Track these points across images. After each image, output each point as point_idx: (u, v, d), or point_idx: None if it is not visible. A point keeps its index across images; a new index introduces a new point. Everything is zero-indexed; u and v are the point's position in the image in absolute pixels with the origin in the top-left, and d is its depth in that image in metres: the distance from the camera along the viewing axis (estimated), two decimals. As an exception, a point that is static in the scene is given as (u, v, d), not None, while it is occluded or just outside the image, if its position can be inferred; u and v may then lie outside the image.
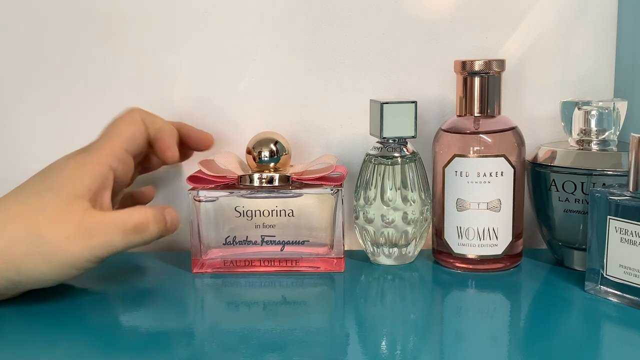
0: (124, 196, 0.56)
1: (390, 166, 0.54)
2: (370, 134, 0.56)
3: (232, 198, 0.53)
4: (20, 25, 0.60)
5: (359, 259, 0.57)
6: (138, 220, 0.47)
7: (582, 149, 0.53)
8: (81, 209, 0.46)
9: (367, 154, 0.56)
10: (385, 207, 0.54)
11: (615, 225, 0.46)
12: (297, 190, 0.53)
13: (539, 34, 0.61)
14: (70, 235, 0.45)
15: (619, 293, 0.47)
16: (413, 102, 0.54)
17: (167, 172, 0.62)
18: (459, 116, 0.55)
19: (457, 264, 0.55)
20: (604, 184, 0.50)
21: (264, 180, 0.53)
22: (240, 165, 0.56)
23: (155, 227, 0.48)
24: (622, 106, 0.53)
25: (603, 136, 0.53)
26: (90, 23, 0.60)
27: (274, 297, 0.50)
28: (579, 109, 0.54)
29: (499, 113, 0.54)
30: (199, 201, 0.53)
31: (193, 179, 0.53)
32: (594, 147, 0.53)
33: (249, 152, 0.55)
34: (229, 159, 0.56)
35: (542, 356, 0.39)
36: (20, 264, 0.45)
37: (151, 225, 0.48)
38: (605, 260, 0.47)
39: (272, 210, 0.53)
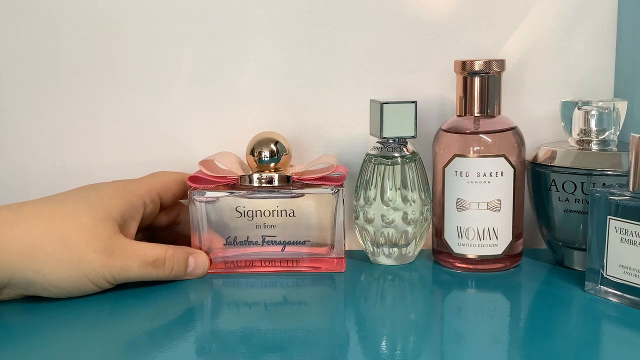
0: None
1: (390, 166, 0.54)
2: (370, 134, 0.56)
3: (233, 198, 0.53)
4: (20, 25, 0.60)
5: (359, 259, 0.57)
6: (157, 255, 0.49)
7: (582, 149, 0.53)
8: (112, 229, 0.48)
9: (367, 154, 0.56)
10: (385, 207, 0.54)
11: (615, 225, 0.46)
12: (298, 190, 0.53)
13: (539, 34, 0.61)
14: (97, 249, 0.47)
15: (619, 293, 0.47)
16: (413, 102, 0.54)
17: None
18: (459, 116, 0.55)
19: (457, 264, 0.55)
20: (604, 184, 0.50)
21: (263, 181, 0.53)
22: (241, 166, 0.56)
23: (170, 265, 0.50)
24: (622, 106, 0.53)
25: (603, 136, 0.53)
26: (90, 22, 0.60)
27: (275, 297, 0.50)
28: (579, 109, 0.54)
29: (499, 113, 0.54)
30: (200, 201, 0.53)
31: (193, 179, 0.53)
32: (594, 147, 0.53)
33: (249, 152, 0.55)
34: (229, 159, 0.56)
35: (542, 356, 0.39)
36: (43, 264, 0.45)
37: (167, 263, 0.50)
38: (605, 260, 0.47)
39: (272, 211, 0.53)
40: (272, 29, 0.60)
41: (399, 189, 0.54)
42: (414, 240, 0.56)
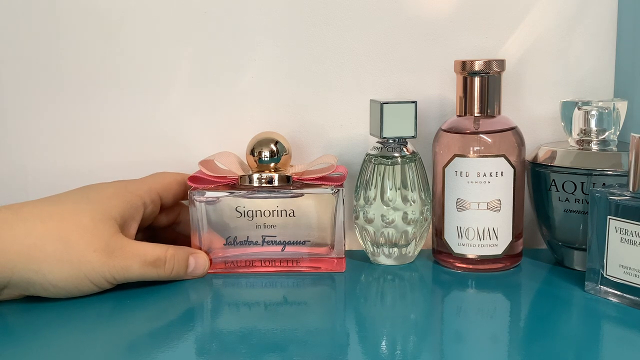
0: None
1: (390, 166, 0.54)
2: (370, 134, 0.56)
3: (233, 198, 0.53)
4: (20, 25, 0.60)
5: (359, 259, 0.57)
6: (157, 255, 0.49)
7: (582, 149, 0.53)
8: (112, 229, 0.48)
9: (367, 154, 0.56)
10: (385, 207, 0.54)
11: (615, 225, 0.46)
12: (298, 190, 0.53)
13: (539, 34, 0.61)
14: (97, 249, 0.47)
15: (619, 293, 0.47)
16: (413, 102, 0.54)
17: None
18: (459, 116, 0.55)
19: (457, 264, 0.55)
20: (604, 184, 0.50)
21: (263, 181, 0.53)
22: (241, 166, 0.56)
23: (171, 265, 0.50)
24: (622, 106, 0.53)
25: (603, 136, 0.53)
26: (90, 23, 0.60)
27: (275, 297, 0.50)
28: (579, 109, 0.54)
29: (499, 113, 0.54)
30: (200, 201, 0.53)
31: (193, 179, 0.53)
32: (594, 147, 0.53)
33: (249, 152, 0.55)
34: (229, 159, 0.56)
35: (542, 356, 0.39)
36: (43, 264, 0.45)
37: (167, 263, 0.50)
38: (605, 260, 0.47)
39: (272, 211, 0.53)
40: (272, 29, 0.60)
41: (399, 189, 0.54)
42: (414, 240, 0.56)
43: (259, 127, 0.60)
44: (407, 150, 0.55)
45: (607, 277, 0.47)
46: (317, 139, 0.62)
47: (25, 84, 0.61)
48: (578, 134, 0.54)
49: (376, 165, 0.55)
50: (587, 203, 0.51)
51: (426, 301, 0.50)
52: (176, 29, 0.60)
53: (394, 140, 0.55)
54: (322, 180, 0.53)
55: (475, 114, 0.54)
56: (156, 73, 0.61)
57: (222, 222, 0.54)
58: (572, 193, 0.52)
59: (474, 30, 0.60)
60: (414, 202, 0.54)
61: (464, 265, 0.54)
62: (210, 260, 0.54)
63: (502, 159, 0.52)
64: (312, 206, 0.53)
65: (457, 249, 0.54)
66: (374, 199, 0.54)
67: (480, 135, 0.53)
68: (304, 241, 0.54)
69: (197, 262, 0.52)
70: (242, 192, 0.53)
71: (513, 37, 0.61)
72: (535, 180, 0.55)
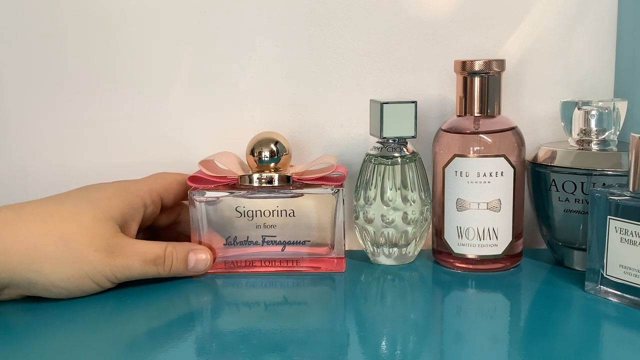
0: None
1: (390, 166, 0.54)
2: (370, 134, 0.56)
3: (233, 198, 0.53)
4: (21, 25, 0.60)
5: (359, 259, 0.57)
6: (157, 253, 0.50)
7: (582, 149, 0.53)
8: (113, 230, 0.48)
9: (367, 154, 0.56)
10: (385, 207, 0.54)
11: (615, 225, 0.46)
12: (298, 190, 0.53)
13: (539, 34, 0.61)
14: (98, 249, 0.47)
15: (619, 293, 0.47)
16: (413, 102, 0.54)
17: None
18: (459, 116, 0.55)
19: (457, 264, 0.55)
20: (604, 184, 0.50)
21: (263, 181, 0.53)
22: (241, 166, 0.56)
23: (170, 262, 0.50)
24: (622, 106, 0.53)
25: (603, 136, 0.53)
26: (90, 23, 0.60)
27: (275, 297, 0.50)
28: (579, 109, 0.54)
29: (499, 113, 0.54)
30: (200, 201, 0.53)
31: (193, 179, 0.53)
32: (594, 147, 0.53)
33: (249, 152, 0.55)
34: (229, 159, 0.56)
35: (542, 356, 0.39)
36: (44, 263, 0.45)
37: (166, 260, 0.50)
38: (605, 260, 0.47)
39: (272, 211, 0.53)
40: (272, 29, 0.60)
41: (399, 189, 0.54)
42: (414, 240, 0.56)
43: (259, 127, 0.60)
44: (407, 150, 0.55)
45: (607, 277, 0.47)
46: (317, 139, 0.62)
47: (25, 84, 0.61)
48: (578, 134, 0.54)
49: (376, 165, 0.55)
50: (587, 203, 0.51)
51: (426, 301, 0.50)
52: (176, 28, 0.60)
53: (394, 140, 0.55)
54: (322, 180, 0.53)
55: (475, 114, 0.54)
56: (156, 73, 0.61)
57: (222, 222, 0.53)
58: (572, 193, 0.52)
59: (474, 30, 0.60)
60: (414, 202, 0.54)
61: (464, 265, 0.54)
62: (215, 255, 0.54)
63: (502, 159, 0.52)
64: (312, 206, 0.53)
65: (457, 249, 0.54)
66: (374, 199, 0.54)
67: (480, 135, 0.53)
68: (304, 241, 0.54)
69: (198, 258, 0.52)
70: (242, 192, 0.53)
71: (513, 37, 0.61)
72: (535, 180, 0.55)
